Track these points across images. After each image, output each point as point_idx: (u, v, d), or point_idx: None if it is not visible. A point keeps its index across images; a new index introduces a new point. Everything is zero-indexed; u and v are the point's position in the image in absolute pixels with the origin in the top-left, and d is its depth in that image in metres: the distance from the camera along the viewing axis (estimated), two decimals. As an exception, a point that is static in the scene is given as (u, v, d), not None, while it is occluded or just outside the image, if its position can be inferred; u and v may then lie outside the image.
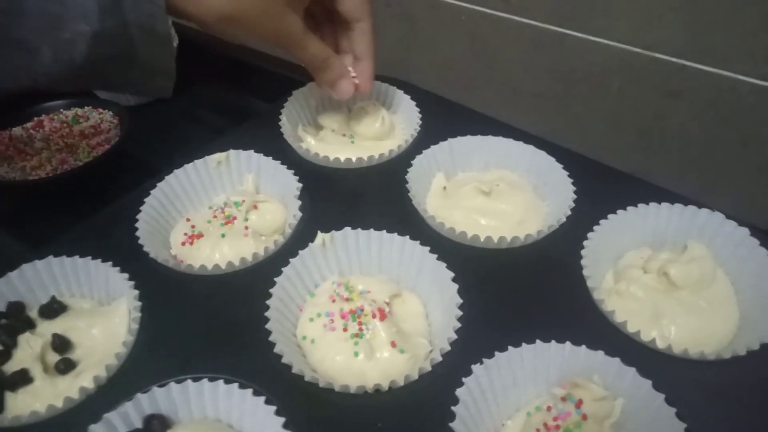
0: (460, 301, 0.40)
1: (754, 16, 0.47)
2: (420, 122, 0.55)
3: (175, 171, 0.51)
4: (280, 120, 0.55)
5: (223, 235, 0.47)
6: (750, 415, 0.35)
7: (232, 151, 0.52)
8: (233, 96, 0.77)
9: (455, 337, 0.38)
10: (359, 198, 0.50)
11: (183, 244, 0.47)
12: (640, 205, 0.45)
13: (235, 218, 0.48)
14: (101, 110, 0.67)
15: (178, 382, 0.37)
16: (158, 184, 0.50)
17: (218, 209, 0.49)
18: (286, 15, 0.44)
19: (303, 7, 0.46)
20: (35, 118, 0.67)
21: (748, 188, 0.53)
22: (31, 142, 0.64)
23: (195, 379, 0.37)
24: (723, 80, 0.51)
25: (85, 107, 0.67)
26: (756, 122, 0.51)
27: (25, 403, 0.38)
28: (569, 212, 0.46)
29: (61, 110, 0.67)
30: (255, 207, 0.49)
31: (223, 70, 0.79)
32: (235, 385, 0.36)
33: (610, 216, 0.45)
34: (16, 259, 0.48)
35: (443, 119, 0.56)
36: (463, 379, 0.36)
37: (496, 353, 0.37)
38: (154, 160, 0.67)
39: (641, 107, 0.56)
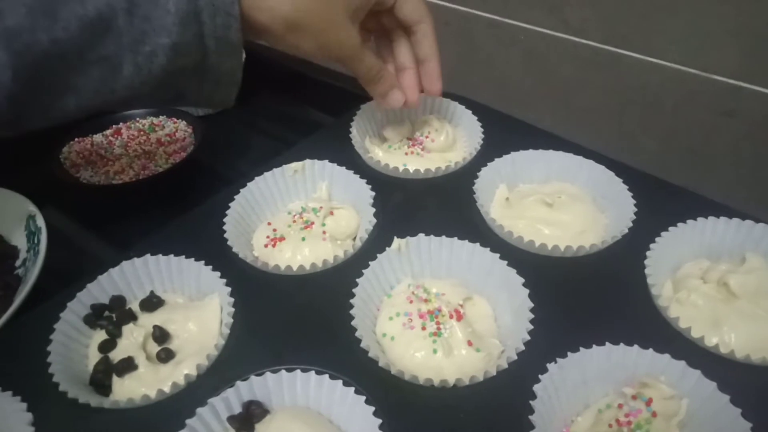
0: (531, 304, 0.43)
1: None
2: (482, 135, 0.58)
3: (256, 178, 0.55)
4: (350, 132, 0.59)
5: (303, 239, 0.50)
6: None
7: (308, 161, 0.56)
8: (294, 108, 0.81)
9: (528, 338, 0.41)
10: (428, 206, 0.53)
11: (266, 246, 0.51)
12: (699, 218, 0.48)
13: (312, 223, 0.52)
14: (175, 119, 0.71)
15: (274, 371, 0.40)
16: (241, 190, 0.54)
17: (297, 214, 0.53)
18: (347, 26, 0.46)
19: (360, 20, 0.49)
20: (113, 126, 0.71)
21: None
22: (110, 149, 0.69)
23: (289, 370, 0.40)
24: (777, 100, 0.53)
25: (160, 116, 0.72)
26: (808, 141, 0.53)
27: (129, 388, 0.42)
28: (631, 224, 0.48)
29: (138, 119, 0.72)
30: (331, 213, 0.52)
31: (284, 83, 0.83)
32: (326, 376, 0.39)
33: (670, 228, 0.47)
34: (101, 256, 0.52)
35: (503, 133, 0.59)
36: (540, 376, 0.38)
37: (569, 353, 0.39)
38: (223, 168, 0.71)
39: (694, 125, 0.58)
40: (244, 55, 0.77)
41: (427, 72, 0.53)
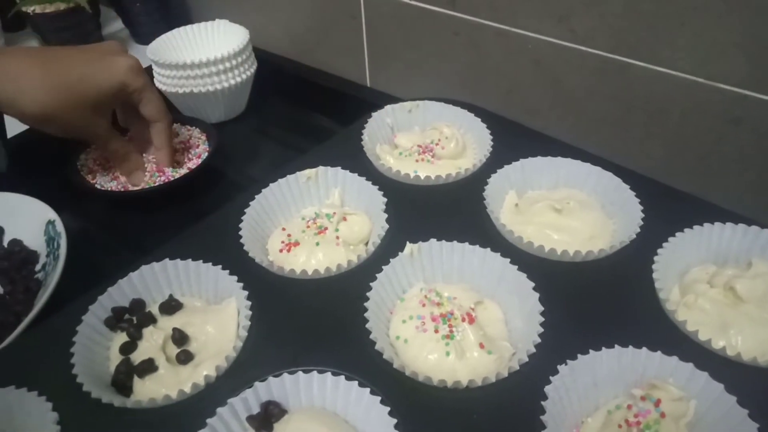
0: (542, 308, 0.44)
1: (814, 50, 0.50)
2: (491, 142, 0.59)
3: (270, 185, 0.56)
4: (362, 139, 0.60)
5: (317, 244, 0.51)
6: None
7: (321, 168, 0.57)
8: (305, 116, 0.82)
9: (539, 340, 0.42)
10: (439, 212, 0.54)
11: (281, 251, 0.52)
12: (705, 224, 0.49)
13: (326, 228, 0.53)
14: (189, 127, 0.73)
15: (291, 373, 0.41)
16: (256, 196, 0.55)
17: (310, 220, 0.54)
18: (91, 118, 0.59)
19: (107, 113, 0.61)
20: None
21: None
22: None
23: (306, 371, 0.41)
24: (782, 109, 0.54)
25: (175, 124, 0.73)
26: (814, 149, 0.54)
27: (150, 389, 0.43)
28: (638, 230, 0.49)
29: (152, 126, 0.73)
30: (344, 219, 0.53)
31: (296, 91, 0.84)
32: (342, 377, 0.40)
33: (677, 234, 0.48)
34: (118, 261, 0.53)
35: (512, 140, 0.60)
36: (551, 378, 0.39)
37: (579, 356, 0.40)
38: (236, 174, 0.72)
39: (701, 133, 0.59)
40: (255, 68, 0.79)
41: (160, 158, 0.66)
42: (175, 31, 0.80)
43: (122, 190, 0.65)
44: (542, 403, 0.38)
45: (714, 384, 0.39)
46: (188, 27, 0.81)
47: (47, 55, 0.58)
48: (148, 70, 0.73)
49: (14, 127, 0.67)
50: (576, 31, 0.62)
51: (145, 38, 0.89)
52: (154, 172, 0.66)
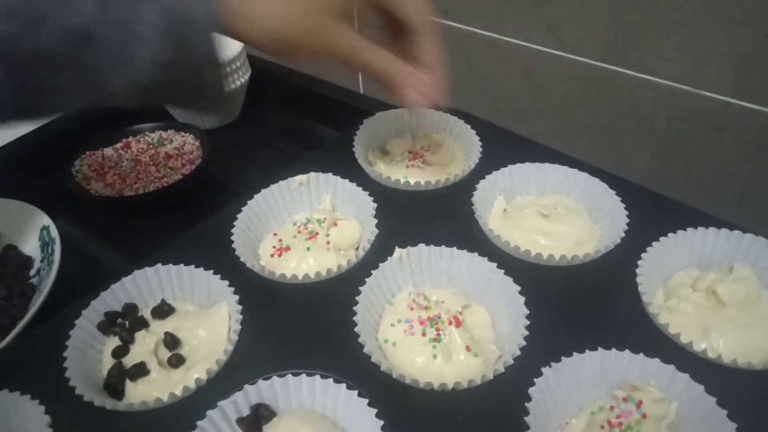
0: (528, 311, 0.45)
1: (795, 59, 0.52)
2: (481, 149, 0.60)
3: (263, 190, 0.57)
4: (353, 145, 0.61)
5: (308, 249, 0.52)
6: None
7: (312, 174, 0.58)
8: (298, 122, 0.83)
9: (524, 343, 0.43)
10: (428, 218, 0.55)
11: (272, 255, 0.52)
12: (689, 229, 0.50)
13: (317, 234, 0.53)
14: (183, 133, 0.74)
15: (281, 376, 0.42)
16: (248, 202, 0.55)
17: (302, 225, 0.55)
18: (333, 29, 0.43)
19: (350, 17, 0.44)
20: (123, 140, 0.73)
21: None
22: (120, 162, 0.71)
23: (295, 374, 0.42)
24: (765, 116, 0.55)
25: (169, 130, 0.74)
26: (797, 156, 0.55)
27: (142, 392, 0.43)
28: (623, 234, 0.50)
29: (147, 133, 0.74)
30: (335, 224, 0.54)
31: (289, 98, 0.85)
32: (330, 380, 0.41)
33: (661, 239, 0.49)
34: (112, 266, 0.54)
35: (501, 147, 0.61)
36: (535, 380, 0.40)
37: (563, 358, 0.41)
38: (229, 180, 0.73)
39: (687, 140, 0.60)
40: (249, 75, 0.80)
41: (427, 85, 0.48)
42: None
43: (116, 196, 0.66)
44: (526, 404, 0.39)
45: (695, 385, 0.39)
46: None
47: None
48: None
49: (7, 134, 0.68)
50: (564, 41, 0.64)
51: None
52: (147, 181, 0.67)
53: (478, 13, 0.68)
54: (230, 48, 0.77)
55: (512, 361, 0.42)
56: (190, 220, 0.57)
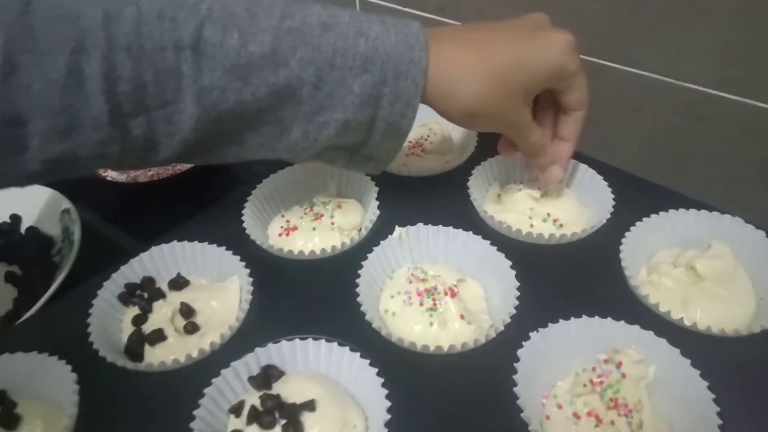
0: (518, 284, 0.48)
1: (772, 52, 0.55)
2: (476, 138, 0.64)
3: (271, 175, 0.60)
4: (357, 135, 0.64)
5: (314, 229, 0.55)
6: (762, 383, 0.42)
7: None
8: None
9: (515, 312, 0.46)
10: (427, 201, 0.58)
11: (280, 235, 0.56)
12: (670, 210, 0.53)
13: (322, 215, 0.57)
14: (195, 125, 0.77)
15: (289, 340, 0.45)
16: (258, 186, 0.59)
17: (308, 208, 0.58)
18: (520, 110, 0.48)
19: (532, 99, 0.49)
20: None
21: (768, 201, 0.60)
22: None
23: (302, 338, 0.45)
24: (746, 107, 0.58)
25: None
26: (776, 144, 0.59)
27: (160, 356, 0.47)
28: (609, 216, 0.53)
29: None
30: (339, 206, 0.58)
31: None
32: (335, 343, 0.45)
33: (644, 219, 0.52)
34: (126, 248, 0.57)
35: (495, 137, 0.64)
36: (523, 343, 0.44)
37: (550, 324, 0.45)
38: (237, 169, 0.77)
39: (672, 130, 0.63)
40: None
41: (562, 151, 0.54)
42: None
43: (131, 182, 0.69)
44: (515, 364, 0.42)
45: (671, 349, 0.43)
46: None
47: (479, 37, 0.47)
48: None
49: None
50: (556, 36, 0.67)
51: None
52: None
53: (473, 11, 0.71)
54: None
55: (503, 328, 0.45)
56: (200, 206, 0.60)
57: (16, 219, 0.66)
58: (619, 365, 0.43)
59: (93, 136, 0.37)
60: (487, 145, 0.62)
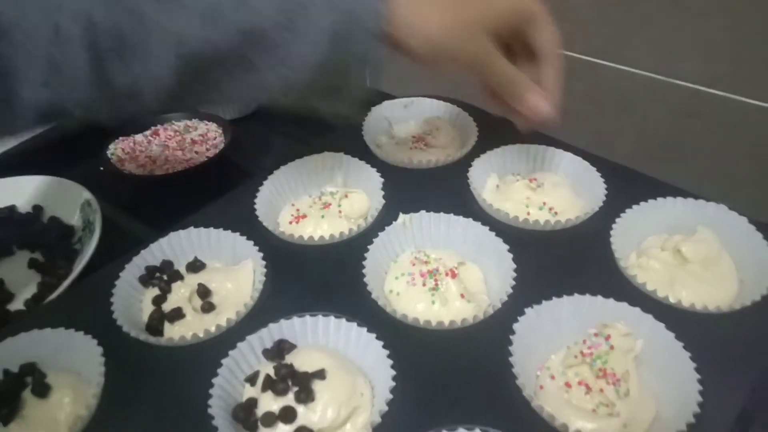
0: (515, 266, 0.51)
1: (757, 50, 0.58)
2: (477, 133, 0.67)
3: (281, 167, 0.63)
4: (362, 131, 0.68)
5: (322, 216, 0.59)
6: (744, 357, 0.45)
7: (326, 153, 0.65)
8: (308, 113, 0.90)
9: (511, 291, 0.49)
10: (430, 191, 0.61)
11: (290, 222, 0.59)
12: (659, 198, 0.56)
13: (330, 204, 0.60)
14: (207, 122, 0.81)
15: (300, 317, 0.48)
16: (269, 177, 0.62)
17: (316, 197, 0.62)
18: (483, 42, 0.48)
19: (496, 36, 0.49)
20: (152, 127, 0.80)
21: (754, 191, 0.63)
22: (150, 146, 0.78)
23: (312, 315, 0.48)
24: (732, 102, 0.62)
25: (193, 119, 0.81)
26: (760, 137, 0.62)
27: (179, 333, 0.50)
28: (601, 204, 0.57)
29: (173, 121, 0.81)
30: (346, 196, 0.61)
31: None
32: (343, 319, 0.48)
33: (633, 206, 0.56)
34: (142, 237, 0.60)
35: (494, 131, 0.67)
36: (519, 318, 0.47)
37: (543, 301, 0.48)
38: (248, 164, 0.80)
39: (662, 125, 0.67)
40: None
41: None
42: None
43: (147, 175, 0.73)
44: (511, 337, 0.45)
45: (656, 323, 0.46)
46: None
47: None
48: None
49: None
50: (553, 36, 0.70)
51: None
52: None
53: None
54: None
55: (500, 305, 0.48)
56: (212, 199, 0.63)
57: (37, 209, 0.69)
58: (608, 338, 0.46)
59: (75, 84, 0.40)
60: (487, 139, 0.66)
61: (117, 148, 0.76)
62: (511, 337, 0.45)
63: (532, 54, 0.52)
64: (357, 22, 0.43)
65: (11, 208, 0.69)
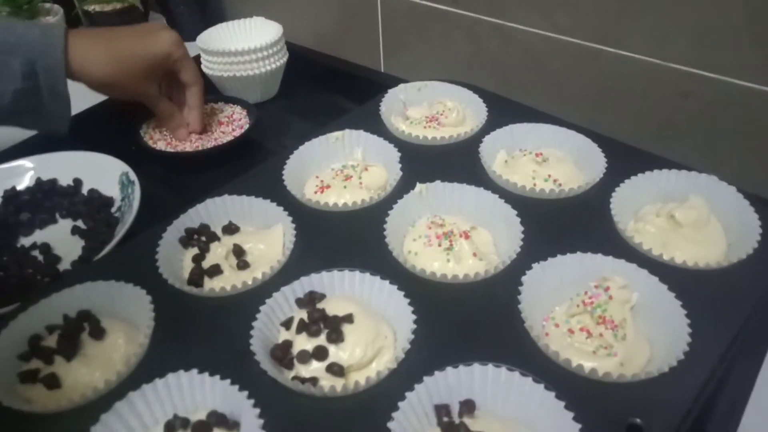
0: (522, 228, 0.56)
1: (744, 34, 0.63)
2: (486, 113, 0.72)
3: (306, 143, 0.69)
4: (380, 110, 0.73)
5: (344, 187, 0.64)
6: (728, 307, 0.50)
7: (347, 130, 0.70)
8: (328, 97, 0.96)
9: (519, 250, 0.54)
10: (444, 165, 0.66)
11: (315, 192, 0.64)
12: (654, 170, 0.61)
13: (351, 176, 0.65)
14: (232, 105, 0.86)
15: (328, 271, 0.53)
16: (294, 151, 0.67)
17: (339, 170, 0.67)
18: (146, 84, 0.74)
19: (158, 78, 0.76)
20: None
21: (742, 164, 0.68)
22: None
23: (339, 270, 0.53)
24: (722, 83, 0.67)
25: (219, 102, 0.86)
26: (748, 116, 0.67)
27: (218, 286, 0.55)
28: (602, 175, 0.62)
29: (201, 104, 0.86)
30: (366, 169, 0.66)
31: (320, 77, 0.98)
32: (367, 273, 0.53)
33: (631, 177, 0.61)
34: (173, 205, 0.64)
35: (503, 111, 0.72)
36: (526, 272, 0.52)
37: (549, 258, 0.53)
38: (271, 144, 0.85)
39: (659, 105, 0.72)
40: (286, 59, 0.92)
41: (193, 118, 0.80)
42: (219, 25, 0.94)
43: (179, 152, 0.78)
44: (519, 288, 0.51)
45: (650, 277, 0.51)
46: (231, 22, 0.95)
47: (107, 35, 0.74)
48: (197, 59, 0.87)
49: (88, 101, 0.80)
50: (558, 23, 0.76)
51: (186, 35, 1.01)
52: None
53: (484, 1, 0.80)
54: (270, 34, 0.89)
55: (509, 262, 0.54)
56: (238, 174, 0.68)
57: (77, 182, 0.74)
58: (606, 289, 0.51)
59: None
60: (496, 119, 0.71)
61: (149, 128, 0.81)
62: (519, 288, 0.51)
63: (183, 84, 0.79)
64: (42, 64, 0.65)
65: (53, 181, 0.74)
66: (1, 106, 0.64)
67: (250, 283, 0.53)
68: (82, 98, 0.77)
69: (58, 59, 0.66)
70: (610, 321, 0.49)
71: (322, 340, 0.48)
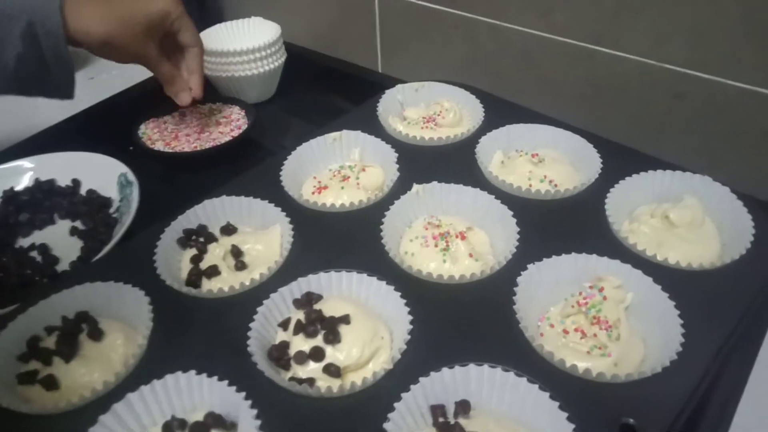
0: (518, 229, 0.57)
1: (739, 36, 0.63)
2: (483, 114, 0.72)
3: (303, 144, 0.69)
4: (377, 110, 0.73)
5: (342, 188, 0.64)
6: (721, 307, 0.50)
7: (344, 131, 0.70)
8: (325, 97, 0.96)
9: (515, 251, 0.55)
10: (441, 165, 0.66)
11: (313, 193, 0.65)
12: (649, 171, 0.62)
13: (349, 177, 0.66)
14: (230, 105, 0.86)
15: (326, 272, 0.54)
16: (292, 152, 0.68)
17: (336, 171, 0.67)
18: (146, 42, 0.70)
19: (158, 38, 0.72)
20: (180, 109, 0.86)
21: (735, 165, 0.69)
22: (177, 127, 0.83)
23: (337, 271, 0.54)
24: (716, 84, 0.67)
25: (217, 102, 0.87)
26: (742, 117, 0.67)
27: (216, 287, 0.56)
28: (597, 176, 0.62)
29: (199, 105, 0.87)
30: (363, 170, 0.66)
31: (318, 77, 0.98)
32: (364, 274, 0.53)
33: (627, 178, 0.61)
34: (171, 205, 0.65)
35: (500, 112, 0.73)
36: (522, 272, 0.52)
37: (544, 259, 0.53)
38: (269, 144, 0.86)
39: (654, 106, 0.72)
40: (284, 59, 0.92)
41: (194, 82, 0.77)
42: (218, 25, 0.94)
43: (176, 152, 0.78)
44: (514, 289, 0.51)
45: (644, 277, 0.51)
46: (229, 23, 0.95)
47: None
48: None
49: (86, 103, 0.80)
50: (554, 24, 0.76)
51: (185, 35, 1.03)
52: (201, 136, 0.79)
53: (481, 2, 0.80)
54: (268, 35, 0.89)
55: (505, 262, 0.54)
56: (236, 174, 0.68)
57: (76, 182, 0.75)
58: (601, 290, 0.51)
59: None
60: (493, 120, 0.71)
61: (147, 128, 0.82)
62: (514, 288, 0.51)
63: (182, 48, 0.76)
64: (43, 27, 0.64)
65: (51, 182, 0.74)
66: (6, 72, 0.64)
67: (247, 283, 0.54)
68: (81, 98, 0.77)
69: (55, 20, 0.64)
70: (604, 321, 0.50)
71: (319, 340, 0.48)
